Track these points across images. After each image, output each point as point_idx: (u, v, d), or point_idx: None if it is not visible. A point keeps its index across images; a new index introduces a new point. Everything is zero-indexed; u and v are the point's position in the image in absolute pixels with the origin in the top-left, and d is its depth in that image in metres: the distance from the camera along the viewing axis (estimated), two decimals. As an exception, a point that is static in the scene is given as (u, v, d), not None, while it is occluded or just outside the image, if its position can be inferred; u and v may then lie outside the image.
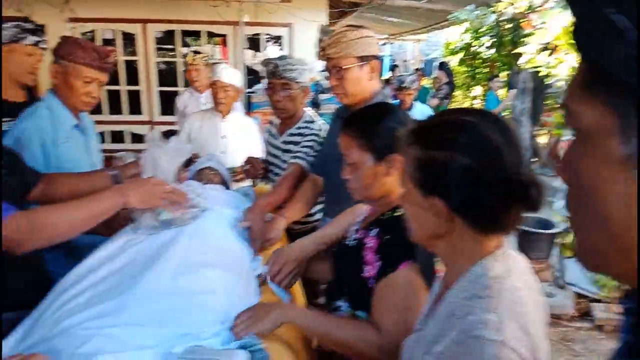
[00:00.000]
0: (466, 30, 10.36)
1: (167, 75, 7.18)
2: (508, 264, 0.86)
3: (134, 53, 6.60)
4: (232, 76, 2.93)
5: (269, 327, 1.21)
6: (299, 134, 2.34)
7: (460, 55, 10.61)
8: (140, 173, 1.73)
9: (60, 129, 1.91)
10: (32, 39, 2.24)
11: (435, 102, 7.28)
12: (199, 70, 4.08)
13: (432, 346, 0.84)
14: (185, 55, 4.77)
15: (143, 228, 1.55)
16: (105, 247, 1.49)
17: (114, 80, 5.99)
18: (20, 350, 1.11)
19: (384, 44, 15.13)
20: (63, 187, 1.68)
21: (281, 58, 2.36)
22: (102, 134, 6.29)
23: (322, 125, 2.36)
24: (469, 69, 10.48)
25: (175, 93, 6.80)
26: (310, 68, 2.42)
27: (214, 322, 1.21)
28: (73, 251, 1.67)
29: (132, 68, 6.63)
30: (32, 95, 2.35)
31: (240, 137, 3.05)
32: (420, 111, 4.58)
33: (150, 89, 6.66)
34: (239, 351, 1.09)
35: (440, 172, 0.85)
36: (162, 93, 6.76)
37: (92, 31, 6.44)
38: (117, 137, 6.74)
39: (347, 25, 1.88)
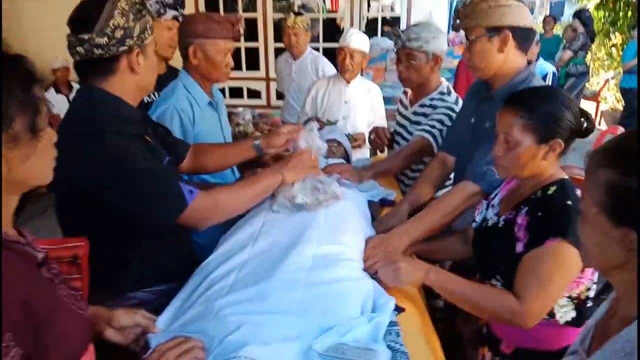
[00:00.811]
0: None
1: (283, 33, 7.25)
2: None
3: (253, 10, 6.73)
4: (360, 41, 2.82)
5: (408, 283, 1.41)
6: (431, 106, 2.24)
7: (599, -3, 9.44)
8: (279, 141, 1.81)
9: (197, 108, 1.98)
10: (171, 13, 2.31)
11: (568, 54, 6.56)
12: (298, 35, 3.61)
13: None
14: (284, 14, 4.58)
15: (279, 207, 1.61)
16: (244, 228, 1.56)
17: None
18: (173, 328, 1.21)
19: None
20: (211, 157, 1.82)
21: (408, 27, 2.25)
22: (222, 90, 6.57)
23: (458, 99, 2.24)
24: (609, 13, 9.30)
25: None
26: (442, 34, 2.24)
27: (354, 311, 1.23)
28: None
29: (251, 25, 6.76)
30: (171, 67, 2.47)
31: (363, 103, 2.99)
32: (540, 71, 4.00)
33: (267, 46, 6.78)
34: (381, 352, 1.10)
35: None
36: (277, 49, 6.86)
37: (214, -12, 6.64)
38: (235, 92, 7.01)
39: None
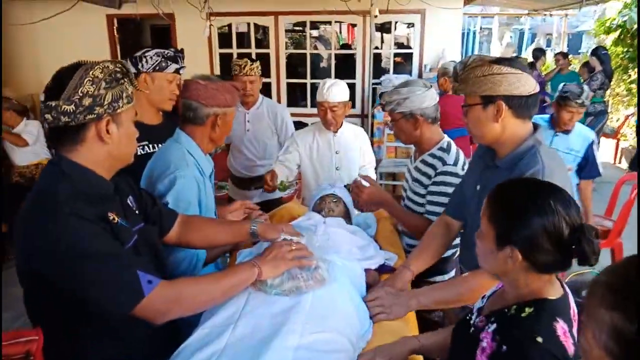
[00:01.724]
0: (626, 5, 9.07)
1: (297, 66, 7.28)
2: None
3: (265, 46, 6.76)
4: (338, 94, 2.67)
5: (403, 314, 1.58)
6: (431, 165, 2.13)
7: (616, 33, 9.31)
8: (275, 235, 1.70)
9: (204, 178, 1.90)
10: (173, 66, 2.28)
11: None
12: (254, 82, 3.24)
13: None
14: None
15: (265, 288, 1.49)
16: (227, 304, 1.44)
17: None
18: None
19: (525, 15, 13.85)
20: (200, 233, 1.69)
21: (393, 89, 2.16)
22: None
23: (459, 155, 2.12)
24: (627, 49, 9.15)
25: (304, 85, 6.92)
26: (421, 92, 2.07)
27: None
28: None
29: (263, 60, 6.79)
30: (168, 117, 2.41)
31: (354, 150, 2.88)
32: (580, 135, 3.41)
33: (279, 81, 6.78)
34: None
35: None
36: (289, 85, 6.86)
37: (229, 25, 6.71)
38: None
39: (484, 60, 1.57)
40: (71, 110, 1.21)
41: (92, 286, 1.19)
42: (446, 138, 2.18)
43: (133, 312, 1.22)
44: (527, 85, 1.51)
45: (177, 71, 2.31)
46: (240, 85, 2.01)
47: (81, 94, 1.21)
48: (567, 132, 3.35)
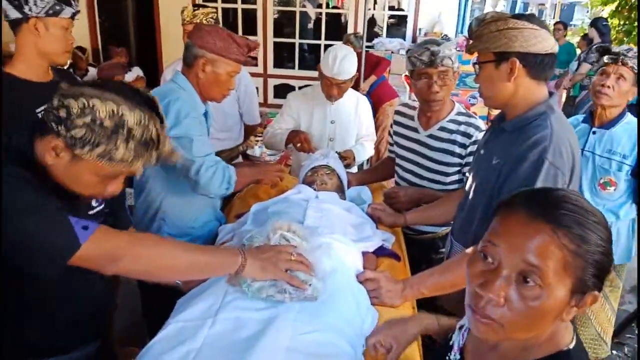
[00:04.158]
0: (626, -24, 8.83)
1: (283, 26, 6.94)
2: None
3: (252, 1, 6.39)
4: (349, 71, 2.39)
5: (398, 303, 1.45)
6: (458, 132, 2.01)
7: (614, 5, 9.09)
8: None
9: (201, 116, 1.83)
10: (68, 10, 1.84)
11: (586, 67, 6.20)
12: None
13: None
14: None
15: (242, 285, 1.26)
16: (204, 294, 1.25)
17: (232, 30, 5.84)
18: None
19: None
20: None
21: (432, 42, 1.96)
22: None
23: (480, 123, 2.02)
24: (624, 22, 8.95)
25: (292, 45, 6.59)
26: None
27: None
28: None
29: (250, 18, 6.45)
30: (60, 74, 1.98)
31: (351, 120, 2.64)
32: (630, 131, 2.27)
33: (266, 40, 6.45)
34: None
35: None
36: (277, 44, 6.54)
37: (213, -23, 6.30)
38: (232, 87, 6.69)
39: (501, 15, 1.45)
40: None
41: (16, 242, 0.98)
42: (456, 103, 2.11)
43: (70, 263, 1.02)
44: (545, 42, 1.38)
45: (73, 16, 1.90)
46: (254, 45, 1.81)
47: None
48: (609, 125, 2.28)
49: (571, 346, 0.80)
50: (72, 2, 1.87)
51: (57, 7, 1.80)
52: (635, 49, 2.27)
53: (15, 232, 0.97)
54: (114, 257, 1.08)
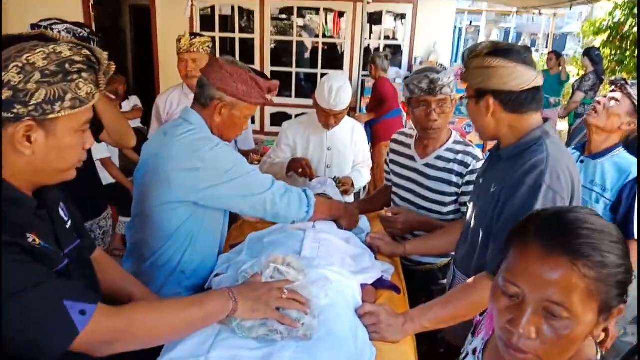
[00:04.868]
0: (617, 7, 9.01)
1: (281, 55, 7.02)
2: None
3: (249, 31, 6.47)
4: (345, 101, 2.38)
5: (399, 338, 1.39)
6: (455, 161, 2.00)
7: (605, 35, 9.25)
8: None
9: None
10: None
11: (580, 96, 6.26)
12: (196, 61, 2.77)
13: None
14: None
15: (231, 325, 1.21)
16: (196, 333, 1.19)
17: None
18: None
19: (514, 13, 13.76)
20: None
21: (431, 70, 1.97)
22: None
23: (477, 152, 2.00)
24: (616, 51, 9.10)
25: (289, 74, 6.65)
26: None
27: None
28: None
29: (247, 46, 6.52)
30: None
31: (347, 146, 2.63)
32: (618, 165, 2.18)
33: (263, 69, 6.50)
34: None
35: None
36: (273, 73, 6.59)
37: (212, 7, 6.39)
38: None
39: (482, 50, 1.44)
40: None
41: (12, 330, 0.91)
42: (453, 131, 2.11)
43: (72, 349, 0.96)
44: (520, 79, 1.39)
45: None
46: (274, 86, 1.69)
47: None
48: (597, 156, 2.21)
49: (598, 357, 0.83)
50: (92, 42, 1.86)
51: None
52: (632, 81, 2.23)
53: (10, 317, 0.90)
54: (110, 341, 1.02)
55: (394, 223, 2.02)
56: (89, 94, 1.01)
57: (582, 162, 2.26)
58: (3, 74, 0.90)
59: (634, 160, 2.14)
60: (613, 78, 2.29)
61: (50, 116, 0.95)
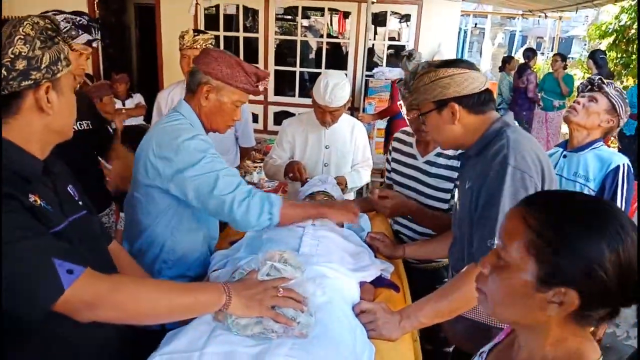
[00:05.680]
0: (623, 10, 8.97)
1: (285, 55, 7.01)
2: None
3: (254, 30, 6.47)
4: (341, 99, 2.37)
5: (396, 337, 1.39)
6: (455, 157, 1.99)
7: (611, 38, 9.21)
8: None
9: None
10: (84, 36, 1.93)
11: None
12: None
13: None
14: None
15: (226, 322, 1.21)
16: (194, 325, 1.19)
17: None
18: None
19: (519, 16, 13.72)
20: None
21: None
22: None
23: None
24: (622, 55, 9.06)
25: (293, 73, 6.65)
26: None
27: None
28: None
29: (251, 46, 6.52)
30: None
31: (346, 145, 2.62)
32: (600, 158, 2.26)
33: (266, 68, 6.50)
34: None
35: None
36: (277, 72, 6.59)
37: (217, 6, 6.40)
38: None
39: (430, 67, 1.54)
40: (2, 76, 0.97)
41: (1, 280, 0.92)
42: None
43: (55, 309, 0.98)
44: (476, 82, 1.48)
45: (89, 43, 1.95)
46: (263, 74, 1.71)
47: (13, 56, 0.98)
48: (579, 149, 2.29)
49: None
50: (92, 30, 1.93)
51: (73, 33, 1.88)
52: (615, 83, 2.33)
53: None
54: (92, 305, 1.02)
55: (384, 206, 2.01)
56: (68, 53, 1.11)
57: (565, 157, 2.35)
58: (10, 48, 0.98)
59: (615, 151, 2.23)
60: (589, 77, 2.37)
61: (58, 75, 1.06)
